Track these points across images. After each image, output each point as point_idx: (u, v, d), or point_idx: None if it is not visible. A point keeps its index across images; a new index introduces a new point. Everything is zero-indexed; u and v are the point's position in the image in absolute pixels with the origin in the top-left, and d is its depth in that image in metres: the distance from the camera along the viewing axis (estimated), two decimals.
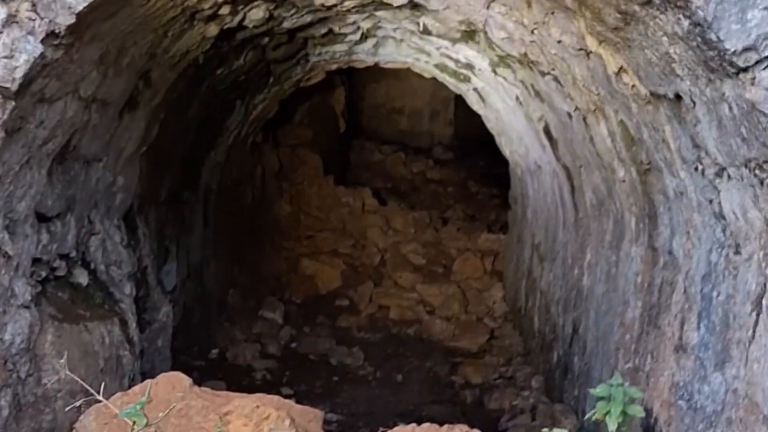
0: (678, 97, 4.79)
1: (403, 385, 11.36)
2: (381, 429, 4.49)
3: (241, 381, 10.62)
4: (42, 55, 4.78)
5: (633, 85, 5.41)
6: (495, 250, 15.43)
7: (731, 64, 3.90)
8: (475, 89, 10.99)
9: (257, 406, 4.27)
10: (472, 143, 19.46)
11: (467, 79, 10.61)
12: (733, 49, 3.82)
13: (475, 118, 13.61)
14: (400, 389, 11.21)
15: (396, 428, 4.51)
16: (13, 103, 4.77)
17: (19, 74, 4.68)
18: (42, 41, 4.75)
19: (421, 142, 20.03)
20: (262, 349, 12.11)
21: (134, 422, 3.38)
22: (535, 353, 11.25)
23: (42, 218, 5.98)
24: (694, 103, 4.57)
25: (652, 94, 5.19)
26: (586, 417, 4.22)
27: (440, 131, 20.35)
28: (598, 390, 3.65)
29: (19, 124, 5.05)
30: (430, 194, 17.99)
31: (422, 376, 11.69)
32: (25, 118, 5.09)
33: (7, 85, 4.65)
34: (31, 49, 4.70)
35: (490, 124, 12.49)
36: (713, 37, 3.87)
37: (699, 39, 4.01)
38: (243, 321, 12.98)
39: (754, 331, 4.43)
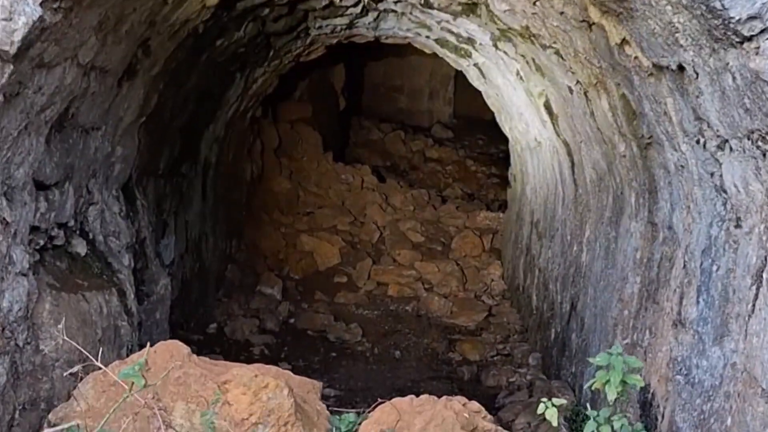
0: (681, 68, 4.75)
1: (401, 362, 11.38)
2: (380, 400, 4.47)
3: (239, 356, 10.63)
4: (41, 19, 4.73)
5: (635, 57, 5.38)
6: (493, 228, 15.45)
7: (735, 33, 3.86)
8: (475, 65, 10.95)
9: (256, 376, 4.26)
10: (472, 122, 19.48)
11: (468, 55, 10.56)
12: (737, 18, 3.78)
13: (475, 97, 13.56)
14: (398, 365, 11.24)
15: (394, 399, 4.50)
16: (12, 66, 4.73)
17: (17, 37, 4.63)
18: (41, 4, 4.70)
19: (420, 120, 20.03)
20: (260, 325, 12.14)
21: (132, 383, 3.36)
22: (532, 330, 11.26)
23: (40, 186, 5.95)
24: (697, 74, 4.54)
25: (654, 65, 5.15)
26: (586, 386, 4.20)
27: (439, 110, 20.36)
28: (598, 359, 3.63)
29: (18, 89, 5.01)
30: (428, 173, 18.00)
31: (420, 353, 11.72)
32: (24, 83, 5.05)
33: (6, 48, 4.60)
34: (30, 11, 4.65)
35: (491, 101, 12.45)
36: (717, 5, 3.83)
37: (703, 7, 3.97)
38: (241, 296, 13.00)
39: (753, 305, 4.41)
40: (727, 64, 4.10)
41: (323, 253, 14.74)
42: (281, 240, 14.96)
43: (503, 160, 17.20)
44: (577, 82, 7.25)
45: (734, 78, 4.08)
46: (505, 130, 12.81)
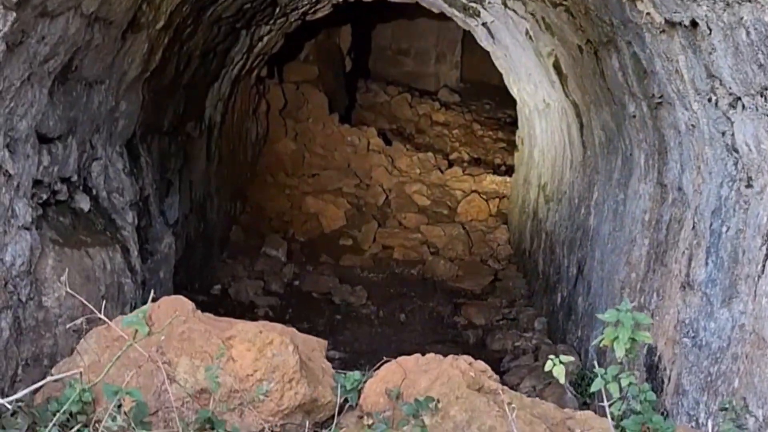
0: (694, 23, 4.68)
1: (406, 325, 11.38)
2: (384, 358, 4.43)
3: (243, 317, 10.53)
4: None
5: (647, 13, 5.29)
6: (500, 193, 15.44)
7: None
8: (484, 24, 10.86)
9: (260, 332, 4.22)
10: (479, 86, 19.45)
11: (476, 14, 10.47)
12: None
13: (482, 61, 13.50)
14: (403, 329, 11.23)
15: (400, 358, 4.47)
16: (14, 14, 4.65)
17: None
18: None
19: (426, 84, 19.99)
20: (265, 287, 12.13)
21: (136, 331, 3.32)
22: (538, 295, 11.24)
23: (43, 139, 5.90)
24: (711, 29, 4.46)
25: (667, 21, 5.07)
26: (594, 343, 4.15)
27: (446, 73, 20.31)
28: (607, 315, 3.56)
29: (20, 38, 4.95)
30: (435, 136, 17.97)
31: (425, 317, 11.71)
32: (27, 32, 4.98)
33: None
34: None
35: (499, 62, 12.36)
36: None
37: None
38: (246, 258, 12.97)
39: (764, 266, 4.36)
40: (741, 18, 4.03)
41: (328, 216, 14.71)
42: (286, 202, 14.94)
43: (510, 124, 17.17)
44: (588, 41, 7.18)
45: (748, 33, 4.01)
46: (513, 92, 12.74)
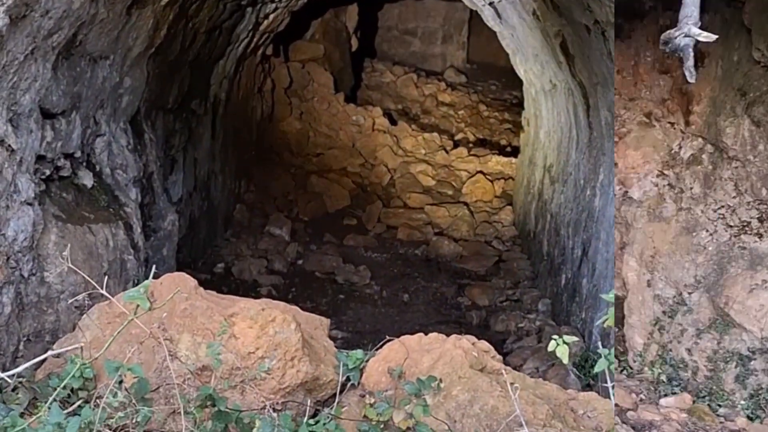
0: None
1: (409, 305, 11.37)
2: (388, 337, 4.42)
3: (246, 296, 10.51)
4: None
5: None
6: (505, 174, 15.39)
7: None
8: (491, 4, 10.79)
9: (263, 309, 4.20)
10: (485, 68, 19.40)
11: None
12: None
13: (489, 42, 13.40)
14: (406, 309, 11.22)
15: (403, 337, 4.46)
16: None
17: None
18: None
19: (433, 64, 19.93)
20: (268, 265, 12.12)
21: (137, 306, 3.29)
22: (542, 276, 11.21)
23: (47, 114, 5.87)
24: None
25: None
26: (598, 323, 4.14)
27: (453, 54, 20.22)
28: (611, 296, 3.54)
29: (24, 12, 4.91)
30: (440, 117, 17.91)
31: (428, 297, 11.69)
32: (30, 5, 4.94)
33: None
34: None
35: (506, 42, 12.29)
36: None
37: None
38: (249, 237, 12.96)
39: None
40: None
41: (333, 195, 14.69)
42: (291, 181, 14.91)
43: (516, 105, 17.11)
44: (596, 21, 7.12)
45: None
46: (520, 72, 12.67)
